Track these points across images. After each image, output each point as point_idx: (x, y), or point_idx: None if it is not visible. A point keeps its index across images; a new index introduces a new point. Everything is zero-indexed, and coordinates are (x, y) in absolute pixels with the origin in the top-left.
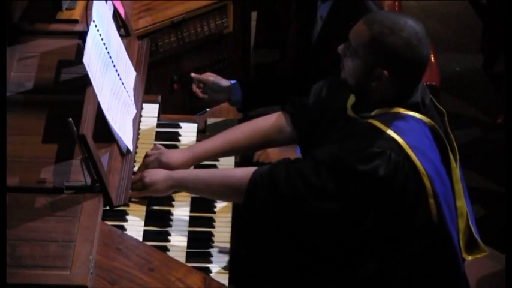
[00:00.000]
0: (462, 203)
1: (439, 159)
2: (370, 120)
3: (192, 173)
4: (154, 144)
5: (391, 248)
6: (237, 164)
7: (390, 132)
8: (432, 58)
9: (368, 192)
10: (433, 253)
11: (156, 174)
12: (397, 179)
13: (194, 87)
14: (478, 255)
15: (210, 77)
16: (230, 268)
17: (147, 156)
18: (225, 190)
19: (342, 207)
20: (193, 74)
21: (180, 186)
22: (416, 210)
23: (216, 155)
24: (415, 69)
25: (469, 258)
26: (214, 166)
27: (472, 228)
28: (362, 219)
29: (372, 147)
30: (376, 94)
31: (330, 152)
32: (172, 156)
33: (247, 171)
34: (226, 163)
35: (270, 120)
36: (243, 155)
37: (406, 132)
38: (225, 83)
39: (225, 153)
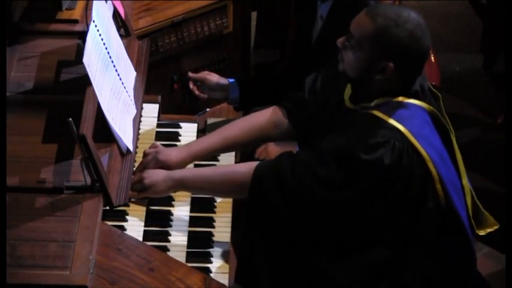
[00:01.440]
0: (466, 182)
1: (441, 143)
2: (371, 111)
3: (192, 171)
4: (153, 143)
5: (402, 233)
6: (237, 162)
7: (392, 121)
8: (432, 58)
9: (375, 181)
10: (444, 237)
11: (156, 176)
12: (403, 167)
13: (191, 85)
14: (491, 229)
15: (207, 75)
16: (230, 268)
17: (145, 155)
18: (229, 186)
19: (350, 196)
20: (190, 73)
21: (180, 186)
22: (424, 196)
23: (213, 152)
24: (419, 60)
25: (482, 233)
26: (214, 165)
27: (479, 204)
28: (371, 207)
29: (376, 138)
30: (377, 85)
31: (335, 142)
32: (169, 154)
33: (250, 165)
34: (226, 162)
35: (266, 115)
36: (242, 152)
37: (408, 120)
38: (222, 81)
39: (223, 150)
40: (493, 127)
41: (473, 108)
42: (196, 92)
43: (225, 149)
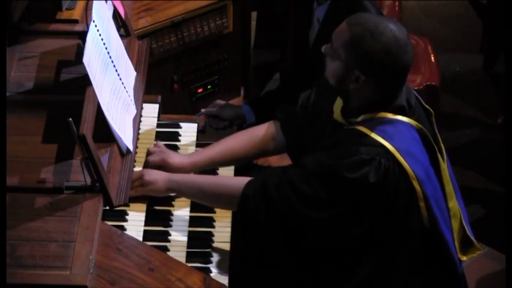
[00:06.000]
0: (454, 204)
1: (428, 161)
2: (357, 127)
3: (188, 177)
4: (155, 142)
5: (387, 249)
6: (236, 170)
7: (377, 138)
8: (432, 58)
9: (360, 199)
10: (428, 255)
11: (156, 174)
12: (388, 184)
13: (210, 121)
14: (473, 255)
15: (219, 106)
16: (230, 269)
17: (148, 153)
18: (218, 199)
19: (335, 214)
20: (203, 110)
21: (177, 189)
22: (408, 213)
23: (214, 163)
24: (393, 75)
25: (464, 258)
26: (215, 172)
27: (466, 228)
28: (356, 225)
29: (361, 155)
30: (357, 97)
31: (320, 161)
32: (173, 156)
33: (240, 181)
34: (226, 172)
35: (264, 129)
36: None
37: (394, 136)
38: (235, 111)
39: (225, 161)
40: (493, 127)
41: (473, 108)
42: (215, 126)
43: (228, 160)
